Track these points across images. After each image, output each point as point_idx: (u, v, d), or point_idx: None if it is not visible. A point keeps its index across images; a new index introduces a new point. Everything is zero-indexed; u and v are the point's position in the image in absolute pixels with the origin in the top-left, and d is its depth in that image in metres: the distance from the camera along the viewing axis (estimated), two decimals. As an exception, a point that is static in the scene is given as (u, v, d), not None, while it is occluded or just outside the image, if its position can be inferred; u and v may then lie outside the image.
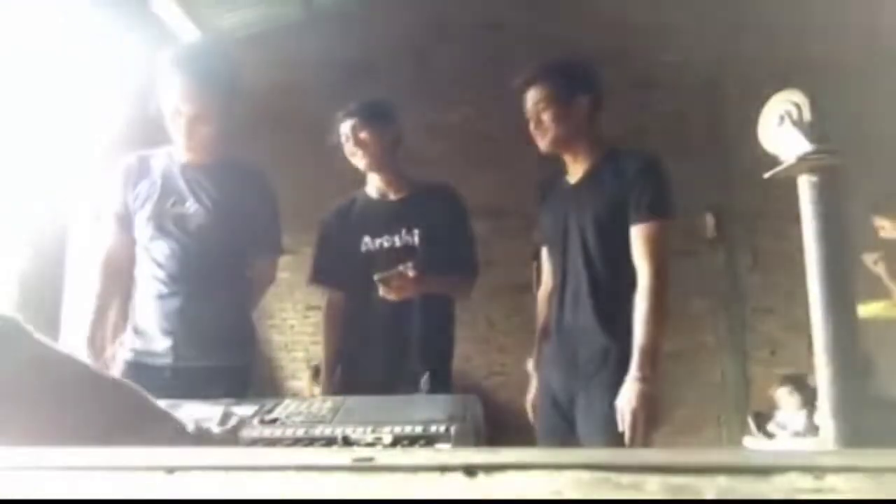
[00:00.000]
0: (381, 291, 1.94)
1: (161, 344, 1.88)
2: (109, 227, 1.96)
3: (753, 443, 3.65)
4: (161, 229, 1.88)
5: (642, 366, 1.67)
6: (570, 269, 1.89)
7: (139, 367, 1.86)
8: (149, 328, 1.90)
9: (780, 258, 3.86)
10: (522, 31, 4.37)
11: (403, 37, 4.52)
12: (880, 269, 3.11)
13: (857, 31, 3.99)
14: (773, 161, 1.19)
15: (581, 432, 1.80)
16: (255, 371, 2.13)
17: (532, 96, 1.91)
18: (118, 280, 1.96)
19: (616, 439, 1.68)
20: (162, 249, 1.88)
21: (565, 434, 1.86)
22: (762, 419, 3.73)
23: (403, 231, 2.05)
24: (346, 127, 2.11)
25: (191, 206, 1.90)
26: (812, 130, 1.14)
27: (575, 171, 1.95)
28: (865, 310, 2.94)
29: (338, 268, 2.15)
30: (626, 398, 1.66)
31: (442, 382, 1.93)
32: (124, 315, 1.99)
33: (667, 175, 1.83)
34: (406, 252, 2.02)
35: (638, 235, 1.77)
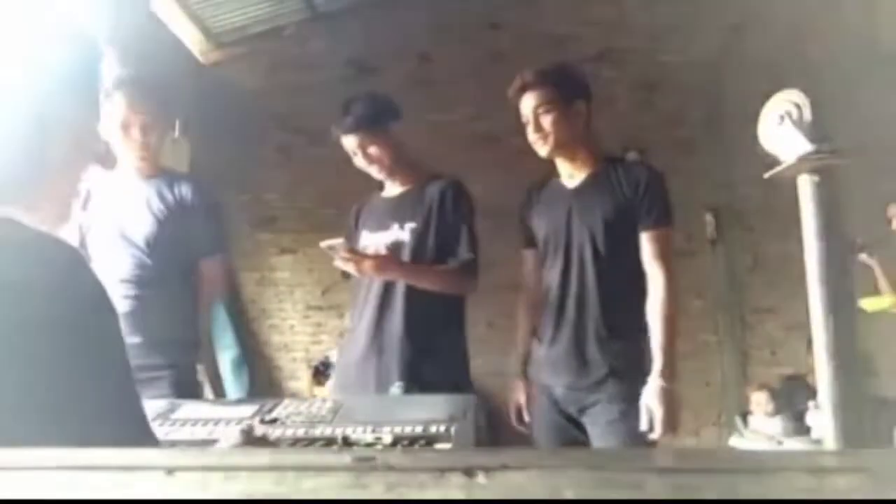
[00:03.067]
0: (337, 264, 1.92)
1: None
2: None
3: (740, 443, 3.66)
4: (111, 243, 2.04)
5: (665, 365, 1.72)
6: (574, 271, 1.88)
7: None
8: None
9: (780, 258, 3.85)
10: (522, 31, 4.37)
11: (404, 37, 4.52)
12: (873, 262, 3.10)
13: (858, 32, 3.98)
14: (773, 161, 1.19)
15: (594, 434, 1.81)
16: (214, 373, 2.21)
17: (530, 100, 1.90)
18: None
19: (633, 438, 1.71)
20: (113, 261, 2.02)
21: (569, 435, 1.86)
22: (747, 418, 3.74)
23: (395, 226, 2.03)
24: (350, 143, 2.06)
25: (136, 219, 2.06)
26: (812, 130, 1.14)
27: (573, 174, 1.94)
28: (871, 304, 2.94)
29: None
30: (654, 396, 1.71)
31: (422, 386, 1.83)
32: None
33: (667, 188, 1.90)
34: (395, 247, 2.00)
35: (649, 239, 1.82)
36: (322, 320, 4.64)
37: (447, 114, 4.32)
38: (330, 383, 2.20)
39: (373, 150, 2.03)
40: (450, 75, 4.43)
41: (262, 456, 0.46)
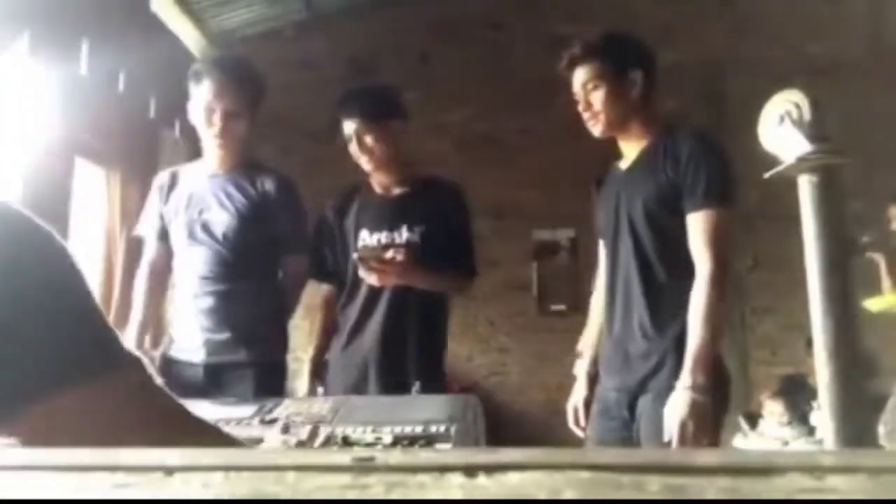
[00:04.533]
0: (361, 273, 1.90)
1: (194, 341, 1.98)
2: (149, 241, 2.12)
3: (745, 443, 3.63)
4: (192, 237, 2.00)
5: (694, 371, 1.50)
6: (621, 263, 1.73)
7: (173, 364, 1.97)
8: (184, 328, 2.01)
9: (780, 258, 3.85)
10: (522, 31, 4.37)
11: (404, 37, 4.52)
12: (878, 257, 3.08)
13: (858, 31, 3.98)
14: (773, 161, 1.19)
15: (643, 437, 1.63)
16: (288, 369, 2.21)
17: (580, 76, 1.72)
18: (160, 289, 2.14)
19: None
20: (195, 255, 1.99)
21: (620, 439, 1.70)
22: (754, 420, 3.70)
23: (403, 228, 2.02)
24: (349, 127, 2.04)
25: (216, 213, 2.01)
26: (812, 130, 1.14)
27: (629, 154, 1.77)
28: (876, 303, 2.92)
29: (332, 264, 2.13)
30: (676, 407, 1.50)
31: (436, 383, 1.90)
32: (164, 322, 2.20)
33: (726, 156, 1.66)
34: (407, 249, 1.98)
35: (696, 224, 1.60)
36: (322, 320, 4.64)
37: (447, 114, 4.32)
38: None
39: (369, 139, 2.02)
40: (450, 75, 4.43)
41: (262, 456, 0.46)
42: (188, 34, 4.25)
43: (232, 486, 0.32)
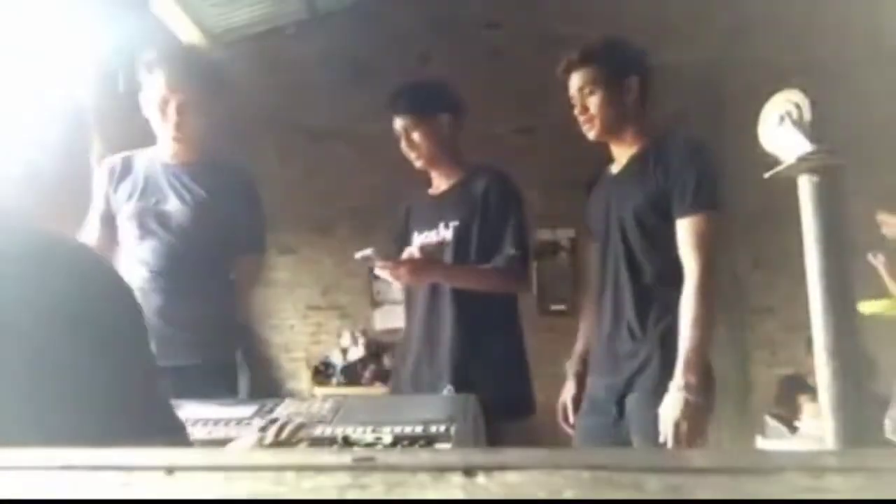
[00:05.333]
0: (377, 272, 1.86)
1: None
2: (93, 226, 1.94)
3: (768, 444, 3.51)
4: (144, 227, 1.89)
5: (686, 373, 1.55)
6: (610, 266, 1.77)
7: None
8: None
9: (780, 258, 3.85)
10: (522, 31, 4.37)
11: (404, 37, 4.52)
12: (879, 263, 3.07)
13: (858, 31, 3.98)
14: (773, 161, 1.19)
15: (634, 437, 1.68)
16: (255, 370, 2.13)
17: (576, 80, 1.76)
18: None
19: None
20: (146, 247, 1.89)
21: (608, 436, 1.73)
22: (784, 420, 3.56)
23: (441, 225, 1.96)
24: (397, 124, 1.98)
25: (173, 204, 1.91)
26: (812, 130, 1.14)
27: (620, 159, 1.81)
28: (869, 307, 2.91)
29: None
30: (669, 408, 1.55)
31: (479, 390, 1.65)
32: None
33: (713, 163, 1.70)
34: (440, 246, 1.93)
35: (685, 229, 1.63)
36: (322, 320, 4.64)
37: (447, 114, 4.32)
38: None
39: (416, 135, 1.96)
40: (449, 75, 4.42)
41: (262, 456, 0.46)
42: (188, 34, 4.25)
43: (232, 486, 0.32)
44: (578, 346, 1.98)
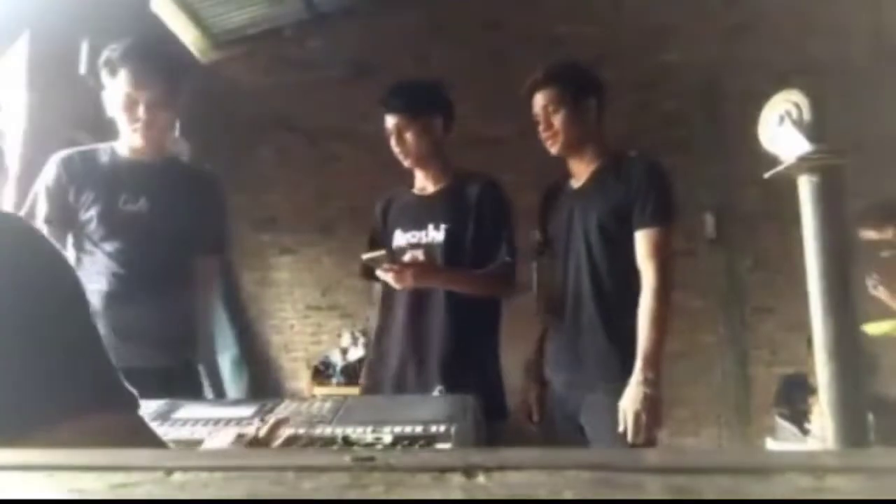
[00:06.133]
0: (378, 275, 1.87)
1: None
2: (40, 223, 1.85)
3: (778, 445, 3.46)
4: (111, 227, 1.84)
5: (645, 369, 1.69)
6: (572, 272, 1.89)
7: None
8: None
9: (780, 258, 3.85)
10: (522, 31, 4.37)
11: (403, 37, 4.52)
12: (881, 294, 2.97)
13: (858, 31, 3.99)
14: (773, 161, 1.19)
15: (590, 435, 1.81)
16: (213, 371, 2.10)
17: (541, 99, 1.90)
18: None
19: (623, 441, 1.69)
20: (111, 248, 1.84)
21: (570, 435, 1.87)
22: (796, 419, 3.51)
23: (430, 227, 1.97)
24: (390, 121, 1.99)
25: (143, 204, 1.86)
26: (812, 130, 1.14)
27: (580, 174, 1.95)
28: (875, 328, 2.82)
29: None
30: (630, 400, 1.68)
31: (474, 390, 1.67)
32: None
33: (670, 182, 1.85)
34: (430, 249, 1.95)
35: (643, 240, 1.79)
36: (322, 320, 4.64)
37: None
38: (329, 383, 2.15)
39: (408, 135, 1.97)
40: (449, 75, 4.43)
41: (262, 456, 0.46)
42: (188, 34, 4.25)
43: (232, 486, 0.32)
44: (535, 348, 2.10)
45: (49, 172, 1.89)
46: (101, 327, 1.88)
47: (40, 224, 1.84)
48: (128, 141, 1.87)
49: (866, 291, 2.95)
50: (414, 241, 1.98)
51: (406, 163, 2.03)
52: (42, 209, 1.86)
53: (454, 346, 1.90)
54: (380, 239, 2.08)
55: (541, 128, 1.91)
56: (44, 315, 0.64)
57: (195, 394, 1.89)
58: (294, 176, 4.55)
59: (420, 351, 1.92)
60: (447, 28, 4.55)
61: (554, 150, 1.91)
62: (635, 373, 1.70)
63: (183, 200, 1.90)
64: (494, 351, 2.02)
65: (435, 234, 1.96)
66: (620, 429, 1.68)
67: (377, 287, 2.08)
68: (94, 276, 1.84)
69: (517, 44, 4.25)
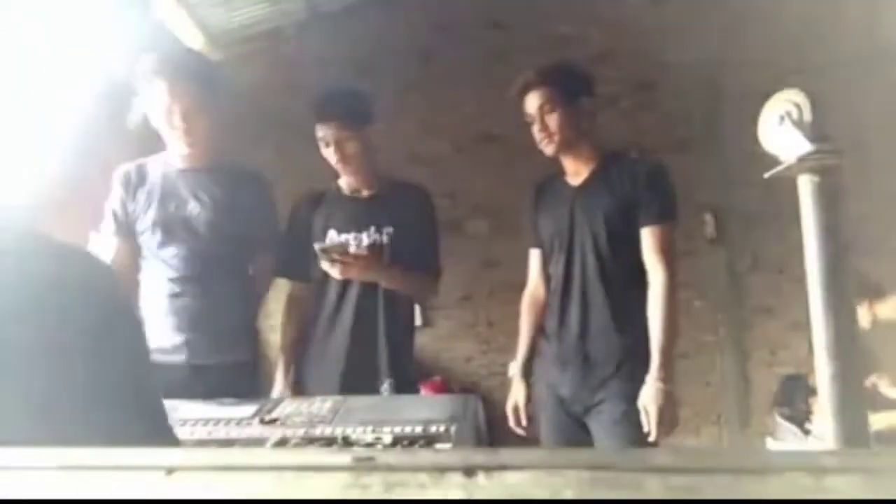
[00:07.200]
0: (324, 265, 1.89)
1: (173, 341, 1.92)
2: (111, 237, 1.99)
3: (778, 445, 3.44)
4: (168, 233, 1.93)
5: (663, 366, 1.72)
6: (576, 270, 1.89)
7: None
8: (160, 327, 1.93)
9: (780, 258, 3.86)
10: (522, 31, 4.37)
11: (404, 37, 4.52)
12: (883, 388, 2.84)
13: (857, 31, 3.99)
14: (773, 161, 1.19)
15: (598, 434, 1.81)
16: (261, 368, 2.15)
17: (535, 99, 1.90)
18: (132, 289, 2.01)
19: (636, 439, 1.70)
20: (170, 252, 1.93)
21: (574, 436, 1.86)
22: (797, 419, 3.47)
23: (372, 229, 2.01)
24: (327, 132, 1.99)
25: (193, 208, 1.95)
26: (812, 130, 1.14)
27: (577, 172, 1.95)
28: (882, 420, 2.70)
29: (302, 261, 2.06)
30: (651, 398, 1.71)
31: (408, 383, 1.98)
32: None
33: (672, 182, 1.89)
34: (374, 249, 1.99)
35: (650, 236, 1.82)
36: (322, 320, 4.64)
37: (447, 114, 4.32)
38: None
39: (351, 145, 1.98)
40: (450, 75, 4.43)
41: (263, 456, 0.46)
42: (188, 34, 4.25)
43: (232, 487, 0.32)
44: (523, 350, 2.09)
45: (113, 189, 2.00)
46: (169, 326, 1.93)
47: (110, 237, 1.97)
48: (175, 149, 1.96)
49: (863, 271, 2.80)
50: (354, 241, 2.00)
51: (344, 170, 2.03)
52: (110, 225, 1.99)
53: (396, 343, 1.98)
54: (301, 236, 2.06)
55: (535, 128, 1.91)
56: (96, 338, 0.66)
57: (252, 390, 1.92)
58: (294, 176, 4.55)
59: (364, 350, 1.96)
60: (448, 27, 4.55)
61: (549, 150, 1.91)
62: (652, 370, 1.72)
63: (234, 201, 1.97)
64: (410, 347, 2.12)
65: (377, 237, 2.01)
66: (645, 428, 1.70)
67: (292, 292, 2.13)
68: (158, 277, 1.95)
69: (518, 44, 4.24)
